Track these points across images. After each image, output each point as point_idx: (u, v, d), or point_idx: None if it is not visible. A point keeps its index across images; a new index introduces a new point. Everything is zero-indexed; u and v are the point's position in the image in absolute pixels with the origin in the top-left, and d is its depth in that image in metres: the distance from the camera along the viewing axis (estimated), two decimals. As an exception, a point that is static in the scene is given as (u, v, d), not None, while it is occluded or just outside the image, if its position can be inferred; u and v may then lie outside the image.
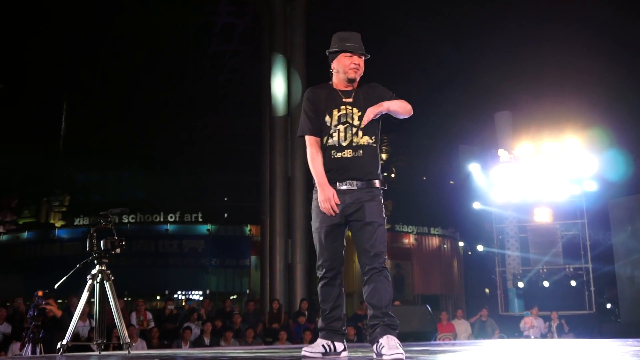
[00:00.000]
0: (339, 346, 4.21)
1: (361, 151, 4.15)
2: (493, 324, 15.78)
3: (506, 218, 18.67)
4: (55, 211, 30.32)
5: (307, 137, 4.26)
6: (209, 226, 25.00)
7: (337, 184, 4.16)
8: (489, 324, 15.69)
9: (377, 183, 4.19)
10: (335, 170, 4.17)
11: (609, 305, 20.79)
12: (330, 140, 4.20)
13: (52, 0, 23.18)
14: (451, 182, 28.65)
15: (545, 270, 17.65)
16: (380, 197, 4.21)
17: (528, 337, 14.66)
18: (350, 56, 4.22)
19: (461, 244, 30.81)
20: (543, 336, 14.82)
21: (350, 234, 4.26)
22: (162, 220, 25.08)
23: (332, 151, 4.18)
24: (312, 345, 4.22)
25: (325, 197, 4.11)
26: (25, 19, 23.96)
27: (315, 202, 4.28)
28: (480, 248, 22.69)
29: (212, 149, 30.53)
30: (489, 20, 23.30)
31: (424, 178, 33.38)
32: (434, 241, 27.92)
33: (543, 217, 18.19)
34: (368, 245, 4.10)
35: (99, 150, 30.08)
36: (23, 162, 25.86)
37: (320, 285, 4.28)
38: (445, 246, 28.35)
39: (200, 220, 25.28)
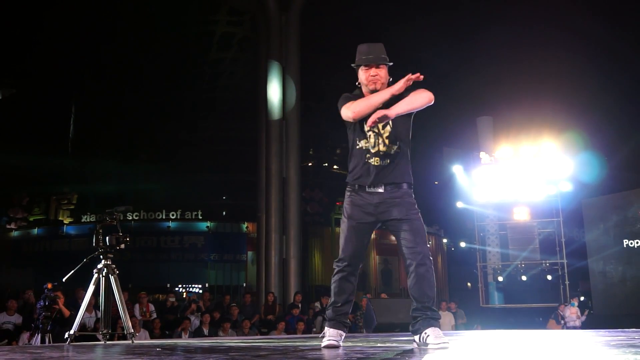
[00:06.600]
0: (343, 336, 4.22)
1: (388, 160, 4.08)
2: (462, 314, 16.06)
3: (487, 216, 18.72)
4: (63, 209, 30.22)
5: (343, 107, 4.14)
6: (208, 223, 24.98)
7: (366, 187, 4.11)
8: (459, 315, 15.92)
9: (405, 186, 4.13)
10: (365, 176, 4.11)
11: (582, 298, 20.88)
12: (363, 143, 4.14)
13: (60, 10, 23.10)
14: (436, 183, 28.69)
15: (523, 265, 17.71)
16: (411, 197, 4.14)
17: (575, 327, 14.42)
18: (367, 69, 4.14)
19: (445, 240, 30.89)
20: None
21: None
22: (164, 217, 25.04)
23: (367, 155, 4.12)
24: (331, 334, 4.13)
25: (401, 82, 4.00)
26: (34, 29, 23.90)
27: (347, 199, 4.22)
28: (462, 244, 22.79)
29: (211, 150, 30.49)
30: (471, 29, 23.35)
31: (410, 179, 33.34)
32: (420, 238, 27.93)
33: (521, 215, 18.25)
34: (407, 238, 4.05)
35: (105, 151, 30.03)
36: (33, 162, 25.79)
37: (336, 278, 4.20)
38: (430, 243, 28.41)
39: (200, 217, 25.25)
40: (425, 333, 3.91)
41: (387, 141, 4.11)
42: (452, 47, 24.12)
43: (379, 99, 4.03)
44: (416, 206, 4.15)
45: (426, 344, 3.86)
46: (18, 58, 24.50)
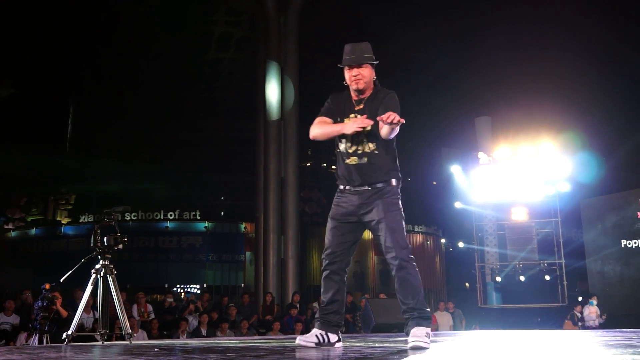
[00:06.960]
0: (333, 337, 4.16)
1: (365, 159, 4.11)
2: (460, 315, 16.05)
3: (485, 217, 18.75)
4: (61, 209, 30.16)
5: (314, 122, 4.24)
6: (206, 223, 24.92)
7: (347, 187, 4.16)
8: (457, 315, 15.90)
9: (389, 183, 4.13)
10: (346, 176, 4.16)
11: (580, 298, 20.90)
12: (341, 146, 4.19)
13: (60, 10, 23.08)
14: (434, 183, 28.71)
15: (521, 266, 17.73)
16: (394, 195, 4.12)
17: (594, 327, 14.16)
18: (350, 69, 4.18)
19: (443, 240, 30.82)
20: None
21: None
22: (162, 217, 24.98)
23: (343, 157, 4.18)
24: (307, 335, 4.17)
25: (351, 123, 4.02)
26: (34, 29, 23.88)
27: (334, 200, 4.28)
28: (461, 245, 22.72)
29: (209, 150, 30.44)
30: (470, 29, 23.33)
31: (409, 179, 33.37)
32: (418, 238, 27.91)
33: (519, 215, 18.28)
34: (384, 242, 4.05)
35: (103, 151, 29.98)
36: (31, 162, 25.76)
37: (322, 277, 4.24)
38: (428, 243, 28.35)
39: (198, 217, 25.19)
40: (410, 333, 3.93)
41: (364, 141, 4.13)
42: (452, 47, 24.11)
43: (334, 131, 4.14)
44: (398, 204, 4.13)
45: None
46: (17, 58, 24.47)
